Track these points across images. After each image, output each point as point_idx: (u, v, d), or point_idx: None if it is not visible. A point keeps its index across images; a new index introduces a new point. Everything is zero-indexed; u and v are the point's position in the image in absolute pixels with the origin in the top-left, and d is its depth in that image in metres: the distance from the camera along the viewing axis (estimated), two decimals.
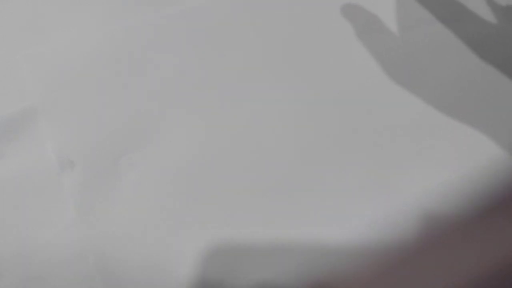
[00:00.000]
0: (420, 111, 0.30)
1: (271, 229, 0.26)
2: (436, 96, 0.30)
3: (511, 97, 0.29)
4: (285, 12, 0.33)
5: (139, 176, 0.27)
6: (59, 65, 0.31)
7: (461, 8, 0.31)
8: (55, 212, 0.27)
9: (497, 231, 0.14)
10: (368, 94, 0.30)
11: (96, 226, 0.26)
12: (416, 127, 0.29)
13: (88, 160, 0.28)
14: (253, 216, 0.27)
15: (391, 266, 0.16)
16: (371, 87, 0.30)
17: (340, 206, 0.27)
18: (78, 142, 0.28)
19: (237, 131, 0.29)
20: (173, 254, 0.26)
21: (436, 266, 0.14)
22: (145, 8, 0.34)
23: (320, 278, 0.25)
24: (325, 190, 0.28)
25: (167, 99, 0.30)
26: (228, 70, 0.31)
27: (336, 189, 0.28)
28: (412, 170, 0.28)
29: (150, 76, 0.31)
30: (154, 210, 0.27)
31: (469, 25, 0.32)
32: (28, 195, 0.27)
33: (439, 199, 0.27)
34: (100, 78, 0.31)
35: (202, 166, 0.28)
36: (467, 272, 0.13)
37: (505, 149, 0.26)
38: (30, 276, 0.25)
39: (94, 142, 0.28)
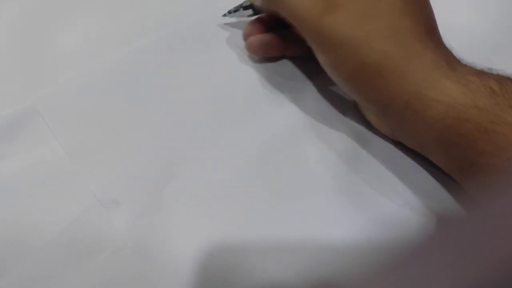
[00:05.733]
0: None
1: (272, 229, 0.27)
2: None
3: None
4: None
5: (188, 201, 0.27)
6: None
7: None
8: (58, 211, 0.27)
9: (499, 231, 0.14)
10: None
11: (153, 256, 0.26)
12: None
13: (133, 197, 0.27)
14: (254, 216, 0.27)
15: (392, 266, 0.16)
16: None
17: (341, 206, 0.27)
18: (118, 180, 0.28)
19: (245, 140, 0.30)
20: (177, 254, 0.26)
21: (436, 266, 0.14)
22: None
23: (321, 277, 0.25)
24: (326, 190, 0.28)
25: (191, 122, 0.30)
26: None
27: (337, 189, 0.28)
28: (411, 170, 0.28)
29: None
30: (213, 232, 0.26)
31: None
32: (28, 195, 0.27)
33: (440, 199, 0.27)
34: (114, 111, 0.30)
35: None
36: (468, 272, 0.13)
37: None
38: (32, 276, 0.25)
39: (133, 177, 0.28)
